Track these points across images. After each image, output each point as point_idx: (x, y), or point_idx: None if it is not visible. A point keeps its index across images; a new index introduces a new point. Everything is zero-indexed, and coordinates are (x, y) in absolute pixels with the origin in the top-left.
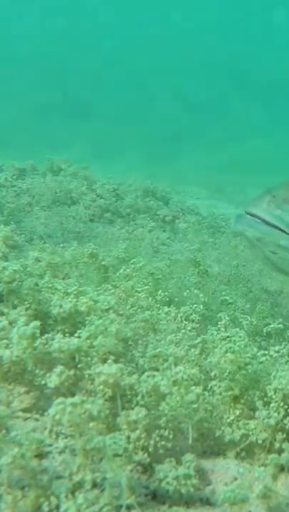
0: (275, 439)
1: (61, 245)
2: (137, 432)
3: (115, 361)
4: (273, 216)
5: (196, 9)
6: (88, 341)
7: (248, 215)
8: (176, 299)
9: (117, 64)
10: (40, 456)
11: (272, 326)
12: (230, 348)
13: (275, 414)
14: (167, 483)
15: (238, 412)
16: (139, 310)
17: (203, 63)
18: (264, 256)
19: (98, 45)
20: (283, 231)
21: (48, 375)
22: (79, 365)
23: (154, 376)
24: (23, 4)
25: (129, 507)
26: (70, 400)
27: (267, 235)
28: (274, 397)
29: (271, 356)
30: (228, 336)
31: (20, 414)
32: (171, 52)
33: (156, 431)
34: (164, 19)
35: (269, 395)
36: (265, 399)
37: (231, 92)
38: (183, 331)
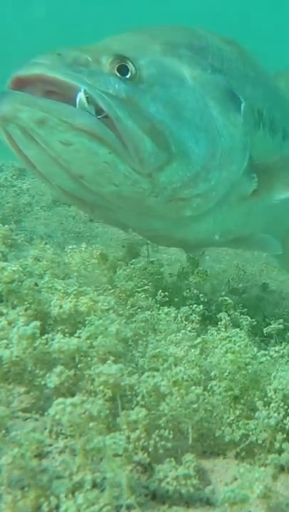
0: (275, 439)
1: (61, 245)
2: (137, 432)
3: (115, 361)
4: (68, 75)
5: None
6: (88, 341)
7: (20, 92)
8: (176, 299)
9: None
10: (40, 456)
11: (272, 326)
12: (231, 348)
13: (275, 415)
14: (167, 483)
15: (238, 412)
16: (139, 310)
17: None
18: (48, 161)
19: (95, 41)
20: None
21: (48, 375)
22: (79, 366)
23: (154, 376)
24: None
25: (129, 507)
26: (70, 400)
27: (54, 111)
28: (274, 397)
29: (271, 356)
30: (228, 336)
31: (20, 414)
32: None
33: (156, 431)
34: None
35: (269, 395)
36: (265, 399)
37: None
38: (183, 331)
